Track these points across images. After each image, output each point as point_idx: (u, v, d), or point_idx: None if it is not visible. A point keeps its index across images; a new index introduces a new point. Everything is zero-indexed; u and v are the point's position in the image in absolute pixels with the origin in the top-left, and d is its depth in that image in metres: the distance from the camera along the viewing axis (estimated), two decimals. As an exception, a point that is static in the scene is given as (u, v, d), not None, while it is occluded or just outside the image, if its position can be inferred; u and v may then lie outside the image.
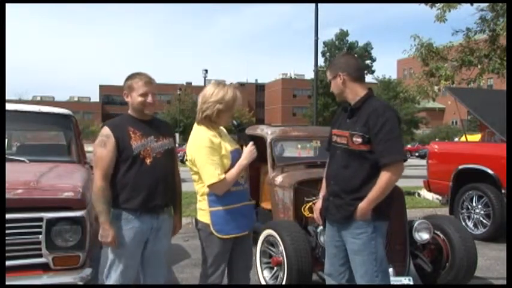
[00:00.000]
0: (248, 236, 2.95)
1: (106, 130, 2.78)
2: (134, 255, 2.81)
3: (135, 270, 2.85)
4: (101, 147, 2.74)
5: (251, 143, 2.89)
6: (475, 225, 6.57)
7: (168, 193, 2.89)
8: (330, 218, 2.85)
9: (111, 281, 2.80)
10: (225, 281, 3.01)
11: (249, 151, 2.86)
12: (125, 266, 2.78)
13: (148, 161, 2.78)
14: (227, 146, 2.83)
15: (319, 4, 13.74)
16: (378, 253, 2.69)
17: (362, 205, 2.63)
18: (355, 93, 2.75)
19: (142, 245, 2.83)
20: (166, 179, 2.88)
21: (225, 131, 2.96)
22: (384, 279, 2.71)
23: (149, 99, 2.81)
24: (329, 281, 2.96)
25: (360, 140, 2.64)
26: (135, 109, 2.86)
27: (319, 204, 2.98)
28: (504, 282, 4.33)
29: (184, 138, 31.84)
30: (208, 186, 2.76)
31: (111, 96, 70.08)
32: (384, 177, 2.58)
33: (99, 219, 2.72)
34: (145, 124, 2.86)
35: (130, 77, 2.87)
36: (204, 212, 2.84)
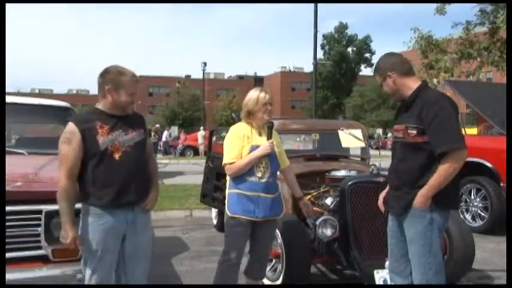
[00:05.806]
0: (266, 226, 3.25)
1: (71, 126, 2.59)
2: (110, 252, 2.63)
3: (112, 267, 2.66)
4: (65, 145, 2.56)
5: (270, 140, 3.20)
6: (473, 218, 6.58)
7: (141, 187, 2.72)
8: (391, 211, 2.87)
9: (92, 281, 2.61)
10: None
11: (263, 145, 3.18)
12: (98, 263, 2.60)
13: (117, 156, 2.61)
14: (252, 141, 3.20)
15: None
16: (433, 245, 2.66)
17: (422, 191, 2.60)
18: (408, 87, 2.76)
19: (119, 242, 2.67)
20: (139, 172, 2.71)
21: (266, 130, 3.24)
22: (438, 273, 2.68)
23: (134, 99, 2.71)
24: (393, 278, 2.92)
25: (414, 131, 2.64)
26: (115, 106, 2.67)
27: (384, 193, 2.99)
28: (501, 274, 4.37)
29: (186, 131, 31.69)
30: (223, 166, 3.22)
31: (109, 89, 69.80)
32: (444, 165, 2.56)
33: (60, 219, 2.55)
34: (115, 118, 2.67)
35: (119, 72, 2.66)
36: (227, 194, 3.26)
